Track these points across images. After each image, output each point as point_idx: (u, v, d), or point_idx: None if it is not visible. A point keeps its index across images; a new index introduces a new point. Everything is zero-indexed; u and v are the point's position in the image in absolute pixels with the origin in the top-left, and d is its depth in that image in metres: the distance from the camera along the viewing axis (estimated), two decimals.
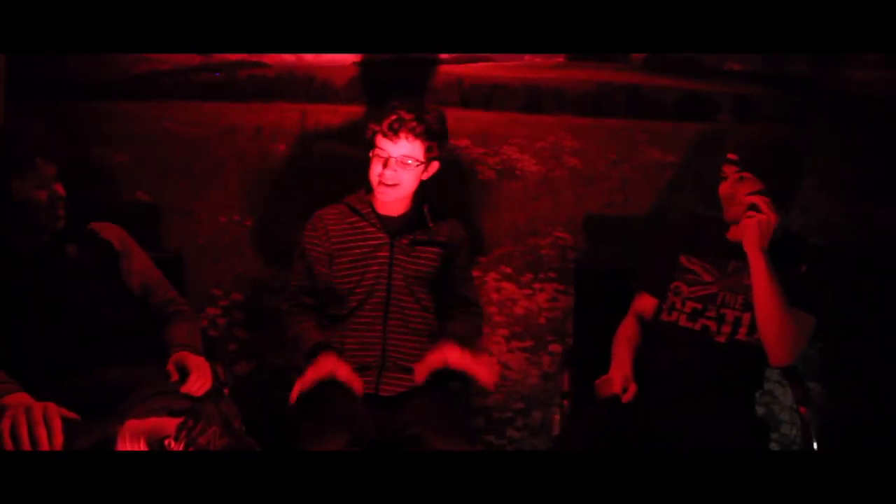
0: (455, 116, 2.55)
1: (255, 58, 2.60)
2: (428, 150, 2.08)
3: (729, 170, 2.01)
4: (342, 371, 2.00)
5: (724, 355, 2.00)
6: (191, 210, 2.62)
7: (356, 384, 2.00)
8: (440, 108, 2.17)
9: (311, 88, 2.62)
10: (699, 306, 2.05)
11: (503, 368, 2.67)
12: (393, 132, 2.04)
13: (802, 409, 2.10)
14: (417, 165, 2.08)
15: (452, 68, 2.61)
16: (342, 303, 2.13)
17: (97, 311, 1.95)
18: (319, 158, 2.62)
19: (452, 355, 2.01)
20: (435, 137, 2.08)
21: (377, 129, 2.07)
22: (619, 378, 1.92)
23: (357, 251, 2.14)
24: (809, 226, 2.50)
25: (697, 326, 2.04)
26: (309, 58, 2.60)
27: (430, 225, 2.17)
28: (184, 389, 1.80)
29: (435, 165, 2.15)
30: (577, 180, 2.64)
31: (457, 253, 2.19)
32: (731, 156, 2.00)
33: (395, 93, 2.35)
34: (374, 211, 2.18)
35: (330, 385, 1.99)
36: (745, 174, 1.97)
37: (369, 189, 2.17)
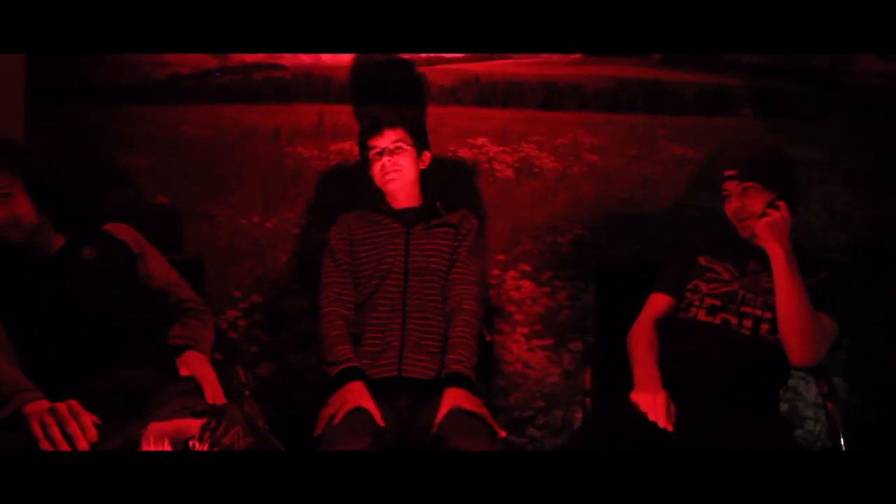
0: (473, 115, 2.59)
1: (272, 59, 2.59)
2: (413, 136, 2.24)
3: (730, 185, 2.02)
4: (368, 404, 2.01)
5: (746, 349, 1.96)
6: (210, 213, 2.61)
7: (378, 416, 2.00)
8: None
9: (329, 89, 2.61)
10: (718, 303, 2.02)
11: (523, 367, 2.65)
12: (377, 128, 2.23)
13: (829, 405, 2.06)
14: (409, 148, 2.23)
15: (469, 66, 2.60)
16: (364, 287, 2.18)
17: (115, 314, 1.93)
18: (338, 160, 2.62)
19: (460, 403, 2.02)
20: (413, 127, 2.26)
21: (363, 136, 2.27)
22: (661, 405, 1.83)
23: (375, 240, 2.22)
24: (833, 222, 2.49)
25: (717, 320, 2.00)
26: (326, 58, 2.59)
27: (443, 213, 2.26)
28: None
29: (427, 155, 2.29)
30: (597, 177, 2.62)
31: (465, 236, 2.23)
32: (729, 172, 2.02)
33: (410, 91, 2.36)
34: (390, 206, 2.29)
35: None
36: (748, 184, 1.98)
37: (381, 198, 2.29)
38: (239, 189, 2.62)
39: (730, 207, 2.03)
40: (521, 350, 2.65)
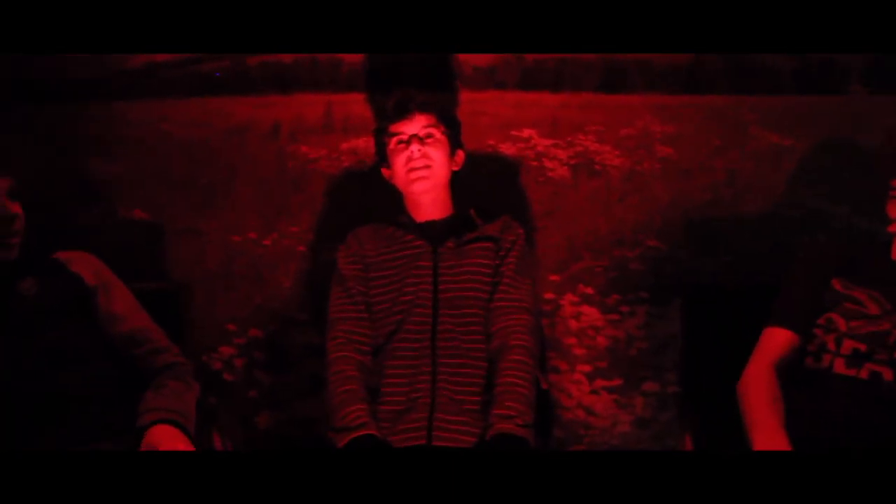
0: (516, 101, 2.42)
1: None
2: (446, 126, 2.05)
3: None
4: None
5: None
6: (198, 229, 2.45)
7: None
8: None
9: (337, 75, 2.41)
10: (863, 347, 1.70)
11: (586, 414, 2.43)
12: (404, 110, 2.01)
13: None
14: (443, 139, 2.03)
15: None
16: (382, 326, 1.96)
17: (60, 370, 1.73)
18: (350, 161, 2.45)
19: None
20: (447, 116, 2.08)
21: (385, 120, 2.05)
22: None
23: (394, 263, 2.00)
24: None
25: (864, 374, 1.69)
26: None
27: (478, 223, 2.06)
28: None
29: (461, 154, 2.11)
30: (673, 174, 2.43)
31: (510, 251, 2.01)
32: None
33: (438, 74, 2.21)
34: (412, 220, 2.07)
35: None
36: None
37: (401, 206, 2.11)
38: (231, 200, 2.46)
39: None
40: (583, 393, 2.46)
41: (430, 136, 2.00)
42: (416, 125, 2.00)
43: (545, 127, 2.42)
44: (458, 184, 2.10)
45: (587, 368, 2.43)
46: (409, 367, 1.89)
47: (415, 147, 1.97)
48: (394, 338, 1.92)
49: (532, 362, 1.89)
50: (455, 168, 2.08)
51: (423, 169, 1.99)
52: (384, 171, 2.06)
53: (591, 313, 2.43)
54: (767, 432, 1.61)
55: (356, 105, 2.42)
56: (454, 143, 2.08)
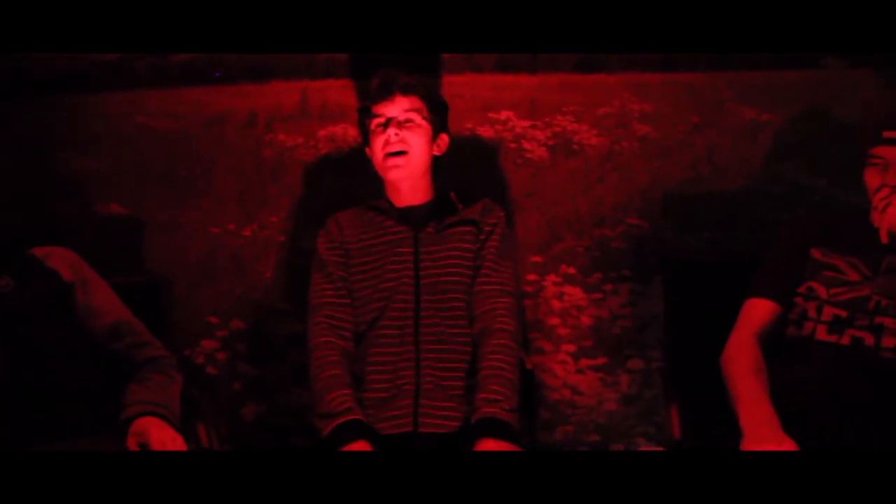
0: (493, 83, 2.41)
1: None
2: (433, 111, 1.99)
3: (887, 152, 1.71)
4: None
5: (891, 378, 1.62)
6: (177, 221, 2.43)
7: None
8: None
9: (314, 61, 2.41)
10: (844, 314, 1.69)
11: (572, 393, 2.42)
12: (386, 91, 1.94)
13: None
14: (424, 123, 1.97)
15: None
16: (363, 313, 1.93)
17: (40, 366, 1.71)
18: (329, 148, 2.42)
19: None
20: (432, 99, 2.00)
21: (369, 100, 1.99)
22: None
23: (374, 248, 1.97)
24: None
25: (845, 339, 1.68)
26: None
27: (459, 207, 2.01)
28: None
29: (444, 139, 2.03)
30: (652, 153, 2.42)
31: (490, 233, 1.97)
32: (890, 134, 1.71)
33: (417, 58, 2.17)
34: (392, 205, 2.01)
35: None
36: None
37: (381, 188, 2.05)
38: (210, 191, 2.44)
39: (875, 180, 1.72)
40: (568, 373, 2.46)
41: (409, 120, 1.95)
42: (396, 108, 1.94)
43: (523, 108, 2.41)
44: (438, 170, 2.07)
45: (572, 348, 2.43)
46: (392, 355, 1.86)
47: (391, 131, 1.92)
48: (376, 325, 1.89)
49: (516, 346, 1.87)
50: (437, 153, 2.02)
51: (399, 156, 1.94)
52: (367, 150, 2.02)
53: (574, 293, 2.43)
54: (752, 402, 1.60)
55: (332, 92, 2.40)
56: (438, 127, 2.01)
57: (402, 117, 1.93)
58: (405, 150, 1.93)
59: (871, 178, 1.72)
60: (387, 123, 1.93)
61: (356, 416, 1.75)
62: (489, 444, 1.70)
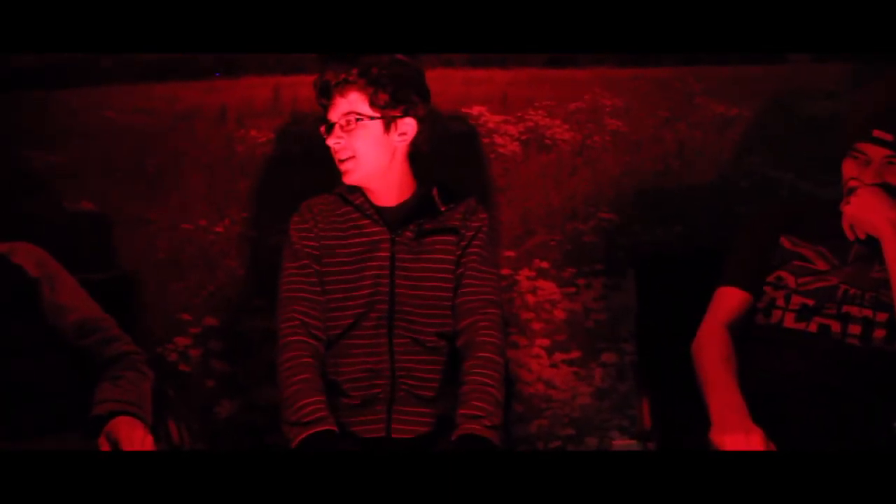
0: (465, 78, 2.41)
1: None
2: (377, 101, 1.80)
3: (873, 151, 1.70)
4: None
5: (855, 365, 1.65)
6: (146, 217, 2.39)
7: None
8: (404, 58, 1.88)
9: (285, 57, 2.38)
10: (811, 302, 1.71)
11: (546, 387, 2.43)
12: (325, 96, 1.82)
13: None
14: (366, 121, 1.81)
15: None
16: (335, 318, 1.84)
17: (5, 363, 1.69)
18: (301, 143, 2.40)
19: None
20: (382, 84, 1.79)
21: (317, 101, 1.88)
22: (757, 447, 1.53)
23: (349, 249, 1.86)
24: None
25: (812, 327, 1.70)
26: None
27: (442, 209, 1.89)
28: None
29: (409, 124, 1.84)
30: (622, 147, 2.43)
31: (472, 239, 1.87)
32: (880, 133, 1.69)
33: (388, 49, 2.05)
34: (368, 201, 1.89)
35: None
36: None
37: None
38: (180, 186, 2.41)
39: (851, 172, 1.73)
40: (542, 367, 2.45)
41: (349, 122, 1.81)
42: (336, 112, 1.81)
43: (495, 103, 2.40)
44: (418, 157, 1.96)
45: (546, 342, 2.43)
46: (367, 363, 1.79)
47: (332, 140, 1.81)
48: (350, 334, 1.81)
49: (501, 360, 1.81)
50: (402, 142, 1.86)
51: (347, 161, 1.83)
52: None
53: (548, 287, 2.43)
54: (721, 390, 1.61)
55: (304, 87, 2.25)
56: (396, 113, 1.83)
57: (342, 121, 1.81)
58: (352, 156, 1.82)
59: (848, 170, 1.73)
60: (330, 129, 1.82)
61: (328, 427, 1.68)
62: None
